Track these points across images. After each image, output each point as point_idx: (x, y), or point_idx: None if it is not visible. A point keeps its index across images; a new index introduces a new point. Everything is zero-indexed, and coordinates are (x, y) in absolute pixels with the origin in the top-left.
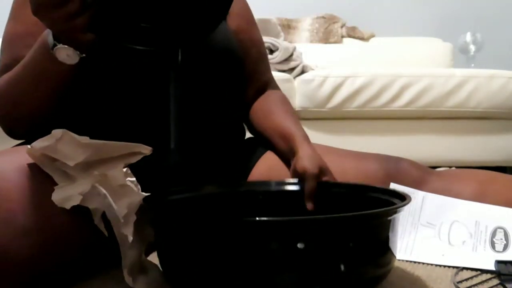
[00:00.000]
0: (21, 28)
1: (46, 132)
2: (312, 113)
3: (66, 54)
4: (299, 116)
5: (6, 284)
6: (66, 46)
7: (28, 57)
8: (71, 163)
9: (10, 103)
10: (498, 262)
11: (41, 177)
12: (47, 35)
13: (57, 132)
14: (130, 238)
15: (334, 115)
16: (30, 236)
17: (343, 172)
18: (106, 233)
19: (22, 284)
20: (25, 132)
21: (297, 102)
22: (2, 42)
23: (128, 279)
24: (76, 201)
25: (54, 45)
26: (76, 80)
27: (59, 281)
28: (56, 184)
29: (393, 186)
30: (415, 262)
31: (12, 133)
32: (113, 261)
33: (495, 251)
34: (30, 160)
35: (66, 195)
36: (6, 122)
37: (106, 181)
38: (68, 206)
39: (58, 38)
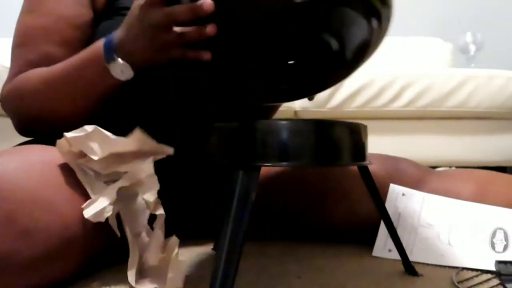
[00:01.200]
0: (44, 22)
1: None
2: (312, 113)
3: (121, 70)
4: (299, 116)
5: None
6: (123, 62)
7: (72, 64)
8: (96, 158)
9: (37, 106)
10: (498, 262)
11: (45, 178)
12: (100, 46)
13: (88, 127)
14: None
15: (334, 115)
16: (33, 238)
17: (342, 172)
18: (118, 233)
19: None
20: (41, 132)
21: (297, 102)
22: (20, 34)
23: (131, 279)
24: (109, 211)
25: (110, 59)
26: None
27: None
28: (65, 183)
29: (393, 186)
30: (415, 262)
31: (24, 131)
32: (114, 260)
33: (495, 251)
34: (33, 160)
35: (98, 209)
36: (23, 121)
37: (133, 176)
38: (103, 219)
39: (117, 51)
